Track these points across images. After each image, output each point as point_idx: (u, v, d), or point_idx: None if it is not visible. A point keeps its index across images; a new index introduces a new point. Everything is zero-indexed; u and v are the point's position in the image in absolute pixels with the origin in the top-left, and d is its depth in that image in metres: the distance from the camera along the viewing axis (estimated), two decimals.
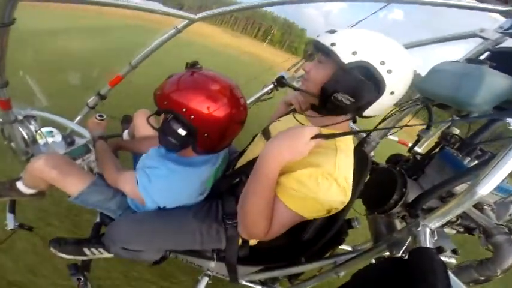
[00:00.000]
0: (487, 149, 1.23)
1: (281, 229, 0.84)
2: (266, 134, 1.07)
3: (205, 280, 1.35)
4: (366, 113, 0.83)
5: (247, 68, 11.93)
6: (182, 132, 0.94)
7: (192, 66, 1.02)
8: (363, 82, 0.76)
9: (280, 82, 1.08)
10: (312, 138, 0.73)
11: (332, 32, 0.81)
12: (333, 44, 0.78)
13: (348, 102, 0.79)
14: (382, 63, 0.74)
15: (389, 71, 0.75)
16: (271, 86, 1.98)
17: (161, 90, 0.98)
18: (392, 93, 0.78)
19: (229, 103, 0.97)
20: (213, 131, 0.98)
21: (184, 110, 0.92)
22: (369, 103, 0.80)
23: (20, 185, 1.28)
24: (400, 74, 0.77)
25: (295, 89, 1.00)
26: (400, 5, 1.52)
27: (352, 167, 0.85)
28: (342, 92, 0.78)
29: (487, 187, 0.65)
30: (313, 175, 0.76)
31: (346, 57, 0.76)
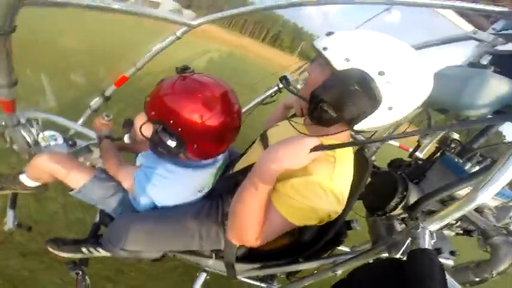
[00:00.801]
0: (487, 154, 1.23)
1: (271, 236, 0.81)
2: (264, 140, 1.05)
3: (203, 276, 1.34)
4: (358, 126, 0.76)
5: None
6: (171, 143, 0.92)
7: (183, 70, 0.97)
8: (354, 93, 0.68)
9: (282, 81, 1.06)
10: (312, 150, 0.69)
11: (328, 34, 0.75)
12: (325, 49, 0.72)
13: (333, 114, 0.73)
14: (381, 73, 0.66)
15: (388, 83, 0.67)
16: (275, 88, 2.00)
17: (149, 98, 0.96)
18: (390, 108, 0.70)
19: (222, 111, 0.93)
20: (202, 142, 0.95)
21: (171, 121, 0.90)
22: (361, 116, 0.72)
23: (23, 177, 1.28)
24: (403, 87, 0.69)
25: (292, 92, 0.98)
26: (397, 6, 1.51)
27: (351, 177, 0.82)
28: (330, 102, 0.72)
29: (488, 193, 0.66)
30: (310, 184, 0.73)
31: (338, 64, 0.70)
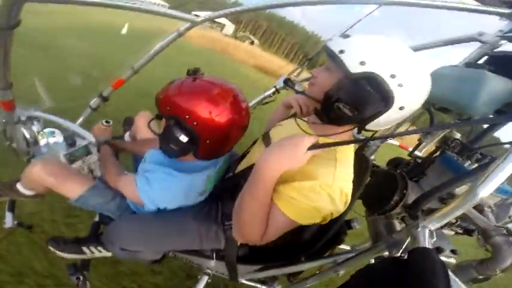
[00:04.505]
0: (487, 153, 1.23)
1: (275, 234, 0.82)
2: (266, 139, 1.06)
3: (204, 279, 1.34)
4: (370, 126, 0.80)
5: None
6: (184, 138, 0.94)
7: (194, 73, 1.02)
8: (370, 94, 0.71)
9: (287, 83, 1.09)
10: (310, 148, 0.71)
11: (344, 37, 0.77)
12: (341, 52, 0.74)
13: (350, 114, 0.75)
14: (393, 76, 0.70)
15: (400, 85, 0.70)
16: (273, 89, 2.01)
17: (163, 94, 0.97)
18: (401, 108, 0.74)
19: (232, 108, 0.96)
20: (215, 137, 0.97)
21: (187, 116, 0.92)
22: (374, 116, 0.75)
23: (19, 186, 1.28)
24: (412, 89, 0.72)
25: (301, 92, 0.98)
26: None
27: (352, 178, 0.83)
28: (345, 102, 0.74)
29: (487, 189, 0.66)
30: (312, 186, 0.75)
31: (353, 67, 0.72)
